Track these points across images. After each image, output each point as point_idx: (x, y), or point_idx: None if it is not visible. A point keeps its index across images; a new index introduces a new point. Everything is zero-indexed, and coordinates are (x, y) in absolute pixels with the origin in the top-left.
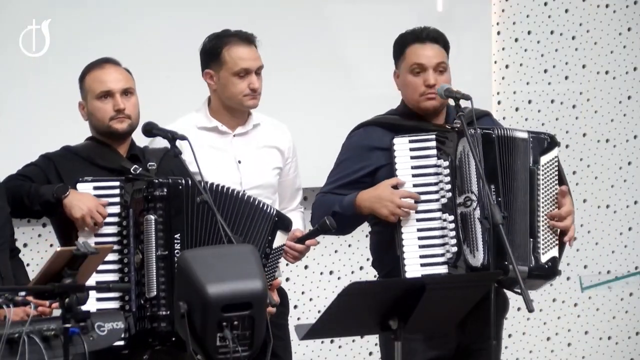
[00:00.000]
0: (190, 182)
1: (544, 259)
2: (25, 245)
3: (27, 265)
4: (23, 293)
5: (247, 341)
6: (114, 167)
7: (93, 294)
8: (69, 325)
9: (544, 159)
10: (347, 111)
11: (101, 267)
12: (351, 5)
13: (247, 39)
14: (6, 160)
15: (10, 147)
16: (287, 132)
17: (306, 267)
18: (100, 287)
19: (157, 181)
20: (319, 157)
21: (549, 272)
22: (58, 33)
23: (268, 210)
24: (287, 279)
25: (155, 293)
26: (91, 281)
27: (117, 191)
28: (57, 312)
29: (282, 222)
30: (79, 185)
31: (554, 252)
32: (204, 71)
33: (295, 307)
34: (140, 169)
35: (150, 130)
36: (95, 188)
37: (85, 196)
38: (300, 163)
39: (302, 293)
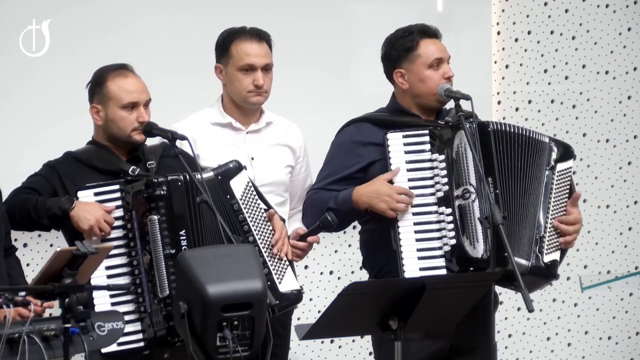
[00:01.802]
0: (189, 177)
1: (545, 259)
2: (25, 245)
3: (27, 265)
4: (23, 293)
5: (247, 341)
6: (112, 170)
7: (108, 298)
8: (69, 325)
9: (560, 166)
10: (348, 110)
11: (112, 271)
12: (351, 5)
13: (257, 35)
14: (6, 159)
15: (10, 147)
16: (298, 132)
17: (306, 267)
18: (100, 287)
19: (156, 180)
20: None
21: (547, 272)
22: (58, 33)
23: (208, 176)
24: None
25: (168, 292)
26: (103, 283)
27: (117, 194)
28: (54, 312)
29: (228, 172)
30: (80, 194)
31: (556, 255)
32: (215, 65)
33: (296, 307)
34: (139, 169)
35: (150, 130)
36: (96, 194)
37: (92, 206)
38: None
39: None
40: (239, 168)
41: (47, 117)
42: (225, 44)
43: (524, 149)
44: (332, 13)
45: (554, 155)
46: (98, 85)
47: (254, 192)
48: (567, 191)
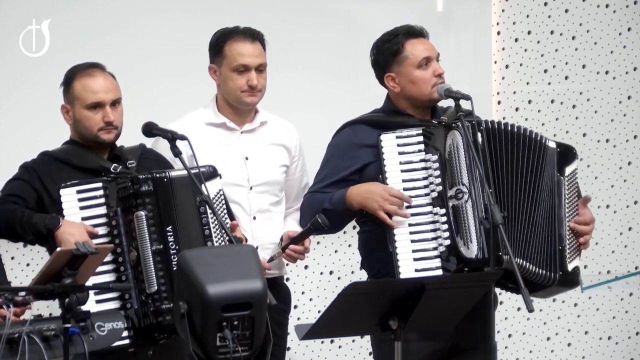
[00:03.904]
0: (172, 173)
1: (570, 267)
2: (25, 245)
3: (27, 265)
4: (23, 293)
5: (247, 341)
6: (93, 168)
7: (92, 296)
8: (69, 325)
9: (568, 170)
10: (347, 110)
11: (97, 269)
12: (350, 5)
13: (251, 35)
14: (6, 159)
15: (11, 147)
16: (294, 131)
17: (306, 267)
18: (101, 286)
19: (142, 177)
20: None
21: (572, 281)
22: (58, 33)
23: (181, 174)
24: (287, 279)
25: (156, 288)
26: (89, 284)
27: (100, 192)
28: (54, 312)
29: (201, 175)
30: (62, 191)
31: (577, 262)
32: (209, 66)
33: (295, 307)
34: (120, 167)
35: (150, 130)
36: (79, 192)
37: (77, 228)
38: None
39: (302, 293)
40: (213, 174)
41: (47, 117)
42: (219, 44)
43: (524, 149)
44: (332, 13)
45: (562, 160)
46: (67, 85)
47: (223, 202)
48: (576, 193)
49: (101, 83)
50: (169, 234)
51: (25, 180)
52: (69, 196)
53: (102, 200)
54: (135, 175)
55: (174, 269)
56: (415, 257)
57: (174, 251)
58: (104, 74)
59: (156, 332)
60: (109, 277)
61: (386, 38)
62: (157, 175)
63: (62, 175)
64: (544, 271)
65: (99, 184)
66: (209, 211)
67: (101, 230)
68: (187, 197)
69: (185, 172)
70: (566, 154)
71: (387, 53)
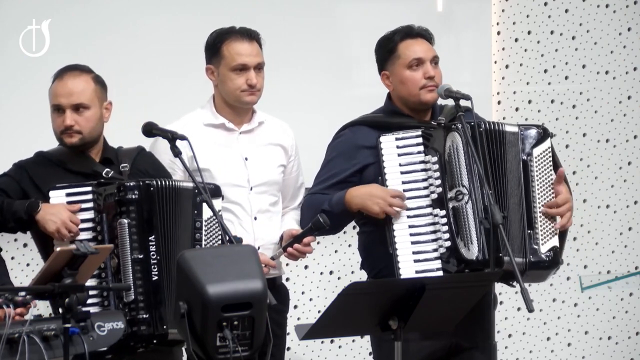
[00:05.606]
0: (162, 183)
1: (543, 249)
2: (25, 245)
3: (27, 265)
4: (23, 293)
5: (247, 341)
6: (86, 172)
7: None
8: (69, 325)
9: (536, 151)
10: (347, 110)
11: None
12: (350, 5)
13: (248, 35)
14: (6, 159)
15: (10, 147)
16: (289, 131)
17: (306, 267)
18: (101, 287)
19: (128, 184)
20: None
21: (549, 262)
22: (58, 33)
23: (186, 186)
24: (287, 279)
25: (133, 297)
26: None
27: (89, 196)
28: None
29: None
30: (52, 193)
31: (554, 241)
32: (206, 67)
33: (295, 307)
34: (112, 172)
35: (150, 130)
36: (68, 194)
37: (57, 208)
38: (303, 162)
39: (302, 293)
40: (215, 193)
41: (47, 117)
42: (216, 45)
43: (494, 142)
44: (332, 13)
45: (528, 142)
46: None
47: (218, 222)
48: (552, 172)
49: (66, 87)
50: (151, 243)
51: (13, 177)
52: (58, 199)
53: (90, 204)
54: (123, 182)
55: (154, 279)
56: (415, 258)
57: (155, 261)
58: (75, 77)
59: (131, 341)
60: (90, 283)
61: (385, 36)
62: (145, 183)
63: (55, 177)
64: (518, 259)
65: (89, 188)
66: (204, 229)
67: (86, 235)
68: (181, 208)
69: (190, 184)
70: (533, 135)
71: (384, 51)
